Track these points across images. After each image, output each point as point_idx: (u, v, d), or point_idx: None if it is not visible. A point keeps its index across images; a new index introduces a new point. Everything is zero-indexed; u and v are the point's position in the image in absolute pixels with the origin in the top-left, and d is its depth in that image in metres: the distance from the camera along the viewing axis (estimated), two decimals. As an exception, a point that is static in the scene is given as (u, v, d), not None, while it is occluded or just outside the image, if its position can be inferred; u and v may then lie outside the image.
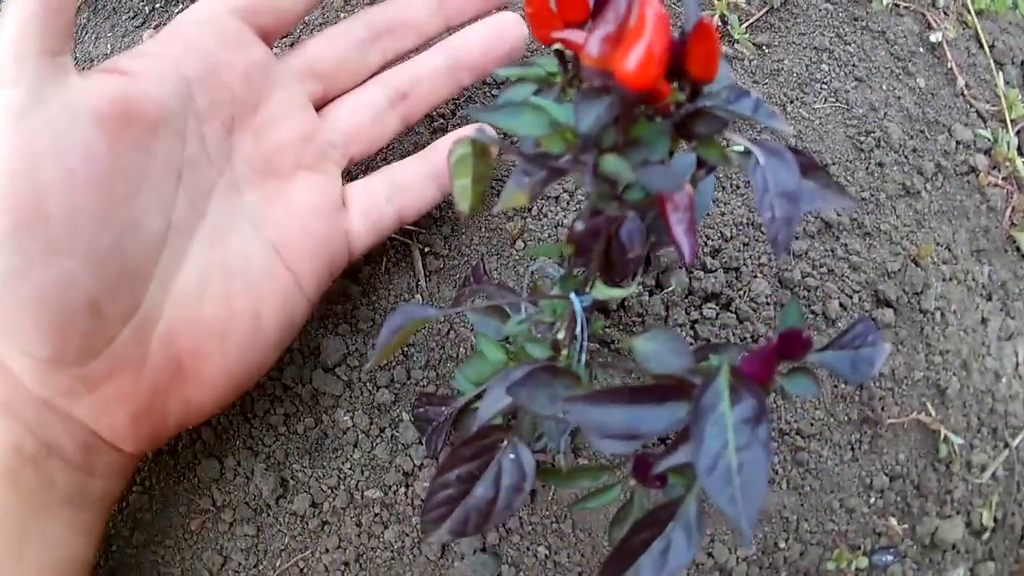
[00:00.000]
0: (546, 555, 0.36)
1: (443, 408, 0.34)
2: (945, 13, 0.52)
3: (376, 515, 0.37)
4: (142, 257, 0.29)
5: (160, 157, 0.30)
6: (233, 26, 0.32)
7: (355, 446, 0.38)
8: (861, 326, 0.27)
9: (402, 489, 0.37)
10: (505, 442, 0.27)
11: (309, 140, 0.34)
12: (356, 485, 0.37)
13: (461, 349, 0.38)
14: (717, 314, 0.38)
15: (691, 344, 0.38)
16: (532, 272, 0.31)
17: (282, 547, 0.37)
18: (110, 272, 0.28)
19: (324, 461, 0.38)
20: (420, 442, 0.37)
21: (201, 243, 0.31)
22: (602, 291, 0.27)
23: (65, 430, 0.29)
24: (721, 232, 0.40)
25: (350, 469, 0.37)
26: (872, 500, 0.39)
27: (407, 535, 0.37)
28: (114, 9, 0.53)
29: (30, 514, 0.29)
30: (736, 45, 0.45)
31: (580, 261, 0.27)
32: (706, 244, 0.39)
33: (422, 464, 0.37)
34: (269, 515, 0.37)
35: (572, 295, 0.27)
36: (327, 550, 0.37)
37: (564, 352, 0.28)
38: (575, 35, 0.25)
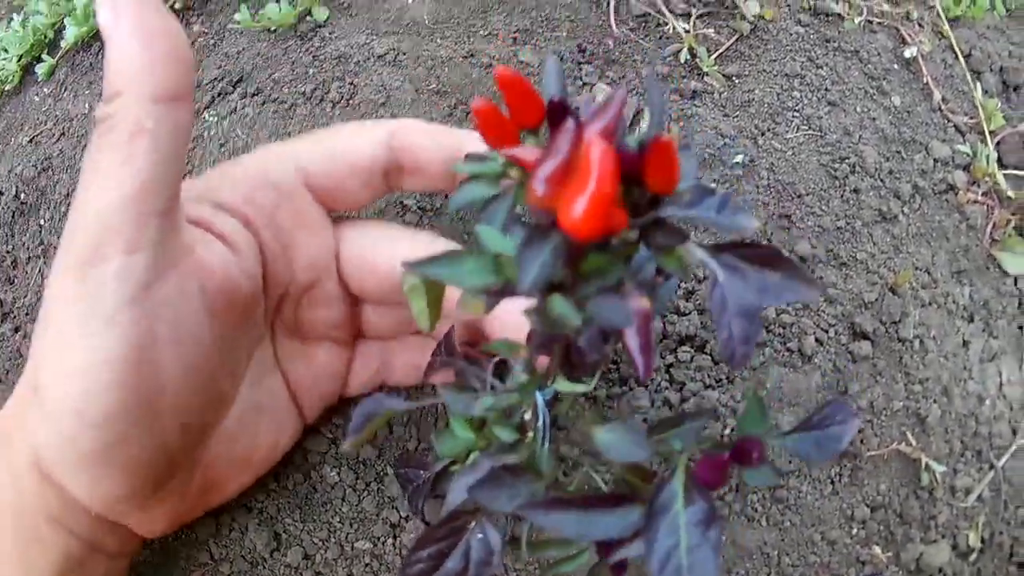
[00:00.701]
0: (532, 601, 0.37)
1: (422, 471, 0.35)
2: (920, 25, 0.52)
3: (367, 565, 0.38)
4: (214, 415, 0.32)
5: (243, 329, 0.32)
6: (312, 209, 0.32)
7: (343, 500, 0.39)
8: (831, 407, 0.27)
9: (390, 540, 0.38)
10: (473, 523, 0.28)
11: (339, 327, 0.36)
12: (346, 537, 0.38)
13: (441, 406, 0.38)
14: (692, 357, 0.38)
15: (666, 388, 0.38)
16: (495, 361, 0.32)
17: (278, 600, 0.38)
18: (191, 434, 0.30)
19: (314, 515, 0.39)
20: (405, 496, 0.38)
21: (244, 389, 0.33)
22: (563, 386, 0.28)
23: (112, 535, 0.32)
24: (694, 273, 0.40)
25: (339, 522, 0.39)
26: (854, 531, 0.39)
27: (397, 586, 0.38)
28: (91, 65, 0.54)
29: None
30: (706, 78, 0.45)
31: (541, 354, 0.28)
32: (680, 286, 0.40)
33: (408, 516, 0.38)
34: (265, 568, 0.39)
35: (535, 391, 0.28)
36: (321, 602, 0.38)
37: (530, 434, 0.29)
38: (525, 152, 0.24)
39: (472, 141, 0.32)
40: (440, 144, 0.32)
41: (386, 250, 0.33)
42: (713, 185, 0.41)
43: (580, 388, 0.27)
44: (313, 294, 0.34)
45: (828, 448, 0.25)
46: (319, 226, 0.33)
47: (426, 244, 0.33)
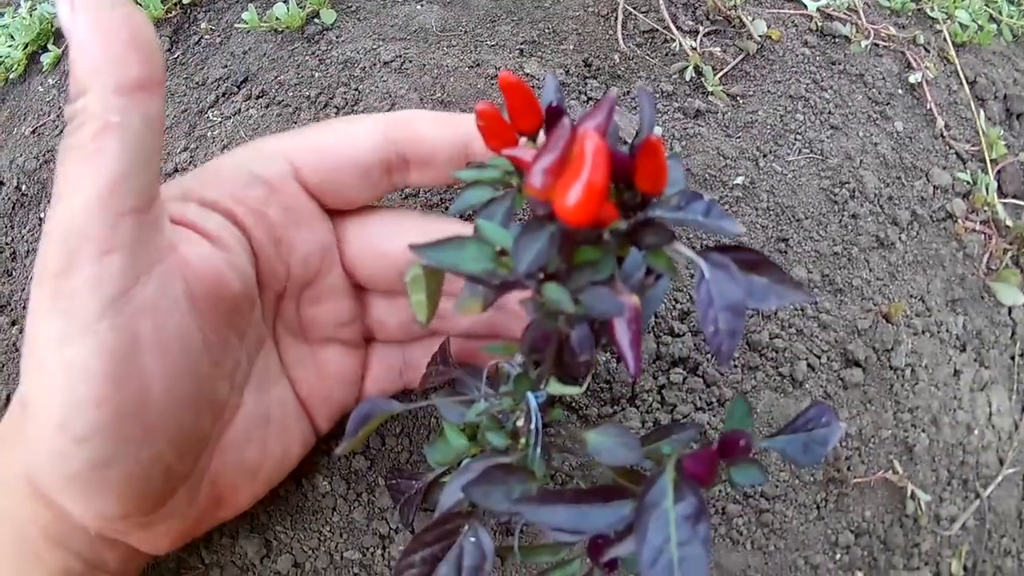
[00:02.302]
0: (518, 615, 0.37)
1: (414, 482, 0.35)
2: (926, 50, 0.52)
3: (355, 575, 0.38)
4: (211, 423, 0.30)
5: (236, 329, 0.30)
6: (303, 204, 0.31)
7: (334, 510, 0.39)
8: (814, 410, 0.27)
9: (379, 551, 0.38)
10: (466, 526, 0.28)
11: (345, 325, 0.34)
12: (336, 547, 0.39)
13: (433, 419, 0.39)
14: (684, 379, 0.39)
15: (657, 409, 0.38)
16: (490, 365, 0.32)
17: (267, 604, 0.39)
18: (188, 444, 0.29)
19: (305, 524, 0.39)
20: (395, 508, 0.38)
21: (249, 397, 0.32)
22: (556, 388, 0.28)
23: (113, 553, 0.30)
24: (689, 294, 0.40)
25: (330, 532, 0.39)
26: (838, 556, 0.40)
27: (384, 595, 0.38)
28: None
29: None
30: (710, 97, 0.45)
31: (535, 358, 0.28)
32: (674, 307, 0.40)
33: (398, 528, 0.38)
34: (255, 574, 0.39)
35: (528, 393, 0.28)
36: (309, 608, 0.38)
37: (522, 440, 0.29)
38: (524, 153, 0.26)
39: None
40: (448, 132, 0.30)
41: (395, 235, 0.32)
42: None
43: (572, 390, 0.27)
44: (315, 289, 0.33)
45: (815, 450, 0.26)
46: (313, 220, 0.31)
47: (437, 229, 0.32)
